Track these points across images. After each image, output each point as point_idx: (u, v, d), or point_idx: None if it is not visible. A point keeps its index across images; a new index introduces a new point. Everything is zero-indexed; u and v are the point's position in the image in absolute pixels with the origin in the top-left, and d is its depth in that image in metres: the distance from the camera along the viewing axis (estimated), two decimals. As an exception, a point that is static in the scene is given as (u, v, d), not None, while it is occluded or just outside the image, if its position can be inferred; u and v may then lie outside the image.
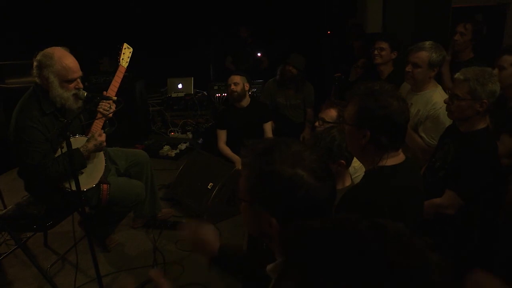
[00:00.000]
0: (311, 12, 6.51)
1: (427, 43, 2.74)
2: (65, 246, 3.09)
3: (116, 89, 2.71)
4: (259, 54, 6.41)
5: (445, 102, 2.23)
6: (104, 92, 2.64)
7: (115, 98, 2.50)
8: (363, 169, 2.50)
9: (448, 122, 2.48)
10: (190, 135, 5.65)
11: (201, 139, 5.40)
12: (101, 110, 2.62)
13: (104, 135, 2.64)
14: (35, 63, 2.50)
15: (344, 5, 6.45)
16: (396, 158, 1.57)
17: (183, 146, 5.19)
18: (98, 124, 2.64)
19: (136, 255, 3.01)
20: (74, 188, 2.20)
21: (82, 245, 2.97)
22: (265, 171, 1.03)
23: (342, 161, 2.00)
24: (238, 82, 3.91)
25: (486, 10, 6.80)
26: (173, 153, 5.03)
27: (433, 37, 2.93)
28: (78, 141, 2.55)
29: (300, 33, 6.38)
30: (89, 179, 2.63)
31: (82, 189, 2.48)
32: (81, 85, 2.55)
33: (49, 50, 2.49)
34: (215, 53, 7.20)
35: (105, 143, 2.64)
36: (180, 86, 6.10)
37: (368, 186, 1.56)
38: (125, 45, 2.88)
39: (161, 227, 3.32)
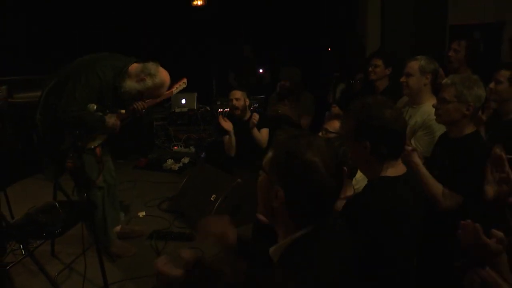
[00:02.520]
0: (311, 27, 6.68)
1: (418, 56, 2.89)
2: (72, 255, 3.16)
3: (153, 104, 3.19)
4: (260, 71, 6.56)
5: (433, 106, 2.35)
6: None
7: (123, 111, 2.60)
8: (365, 181, 2.60)
9: (439, 132, 2.57)
10: (193, 149, 5.75)
11: (203, 153, 5.50)
12: (136, 106, 2.95)
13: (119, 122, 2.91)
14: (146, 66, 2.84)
15: (345, 22, 6.62)
16: (397, 169, 1.64)
17: (186, 160, 5.28)
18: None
19: (140, 265, 3.08)
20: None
21: (88, 255, 3.03)
22: (291, 151, 1.19)
23: (344, 168, 2.09)
24: (239, 98, 4.04)
25: (483, 28, 6.93)
26: (176, 166, 5.12)
27: (430, 54, 3.04)
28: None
29: (301, 48, 6.54)
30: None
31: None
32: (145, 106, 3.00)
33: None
34: (218, 69, 7.34)
35: (118, 127, 2.92)
36: (183, 101, 6.22)
37: (370, 195, 1.63)
38: (184, 80, 3.41)
39: (165, 238, 3.39)
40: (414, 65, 2.87)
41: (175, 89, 3.30)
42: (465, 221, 1.36)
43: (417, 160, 2.14)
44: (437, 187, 2.20)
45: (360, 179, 2.67)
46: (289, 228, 1.23)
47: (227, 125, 3.96)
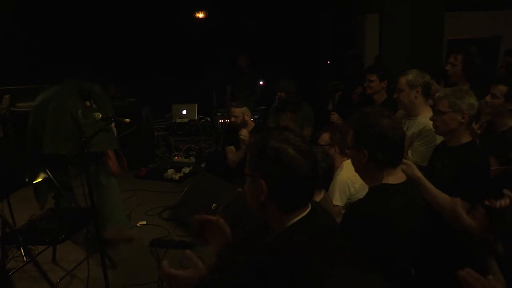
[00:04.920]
0: (311, 40, 6.80)
1: (408, 71, 2.97)
2: (73, 262, 3.19)
3: None
4: (261, 83, 6.65)
5: (430, 119, 2.43)
6: None
7: (128, 120, 2.66)
8: (365, 190, 2.66)
9: (435, 142, 2.64)
10: (193, 159, 5.80)
11: (204, 163, 5.55)
12: None
13: None
14: None
15: (343, 37, 6.75)
16: (396, 177, 1.68)
17: (187, 170, 5.32)
18: None
19: (141, 272, 3.10)
20: None
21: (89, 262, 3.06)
22: (260, 145, 1.32)
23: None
24: (237, 115, 4.03)
25: (480, 42, 7.07)
26: (177, 176, 5.16)
27: (427, 68, 3.12)
28: None
29: (300, 62, 6.65)
30: None
31: None
32: None
33: None
34: (218, 81, 7.44)
35: None
36: (184, 112, 6.29)
37: (371, 201, 1.67)
38: None
39: (166, 246, 3.43)
40: (402, 80, 2.96)
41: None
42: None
43: (418, 173, 2.18)
44: (444, 198, 2.22)
45: (359, 188, 2.73)
46: (281, 218, 1.32)
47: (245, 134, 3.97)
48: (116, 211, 3.55)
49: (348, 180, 2.76)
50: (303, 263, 0.81)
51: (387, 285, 1.24)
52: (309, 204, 1.36)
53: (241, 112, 4.04)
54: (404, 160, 2.02)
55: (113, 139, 3.49)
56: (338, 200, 2.75)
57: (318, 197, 2.34)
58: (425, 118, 2.83)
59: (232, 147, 4.10)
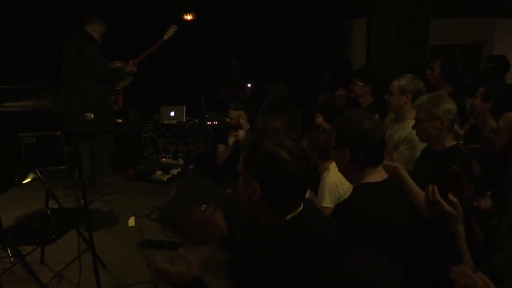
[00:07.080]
0: (300, 44, 6.88)
1: (404, 75, 3.05)
2: (61, 263, 3.17)
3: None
4: (249, 85, 6.69)
5: (412, 128, 2.51)
6: None
7: (120, 121, 2.68)
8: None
9: (420, 147, 2.72)
10: (181, 161, 5.81)
11: (192, 165, 5.56)
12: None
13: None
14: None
15: (332, 40, 6.85)
16: (378, 175, 1.76)
17: (175, 171, 5.32)
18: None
19: (131, 273, 3.11)
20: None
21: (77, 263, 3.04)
22: (254, 146, 1.34)
23: None
24: (232, 117, 4.16)
25: (463, 48, 7.24)
26: (165, 177, 5.16)
27: (412, 73, 3.20)
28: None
29: (290, 63, 6.73)
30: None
31: None
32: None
33: None
34: (206, 83, 7.46)
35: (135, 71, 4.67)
36: (172, 113, 6.28)
37: (356, 201, 1.75)
38: (173, 26, 4.70)
39: (156, 247, 3.43)
40: (395, 84, 3.05)
41: (166, 36, 4.42)
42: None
43: (404, 173, 2.23)
44: (420, 191, 2.29)
45: (348, 189, 2.79)
46: (273, 218, 1.36)
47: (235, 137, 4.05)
48: (107, 162, 4.39)
49: (336, 182, 2.82)
50: (322, 249, 0.85)
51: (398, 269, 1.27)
52: (301, 203, 1.40)
53: (237, 115, 4.14)
54: (388, 162, 2.08)
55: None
56: (328, 202, 2.80)
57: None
58: (413, 122, 2.92)
59: (222, 145, 4.17)
